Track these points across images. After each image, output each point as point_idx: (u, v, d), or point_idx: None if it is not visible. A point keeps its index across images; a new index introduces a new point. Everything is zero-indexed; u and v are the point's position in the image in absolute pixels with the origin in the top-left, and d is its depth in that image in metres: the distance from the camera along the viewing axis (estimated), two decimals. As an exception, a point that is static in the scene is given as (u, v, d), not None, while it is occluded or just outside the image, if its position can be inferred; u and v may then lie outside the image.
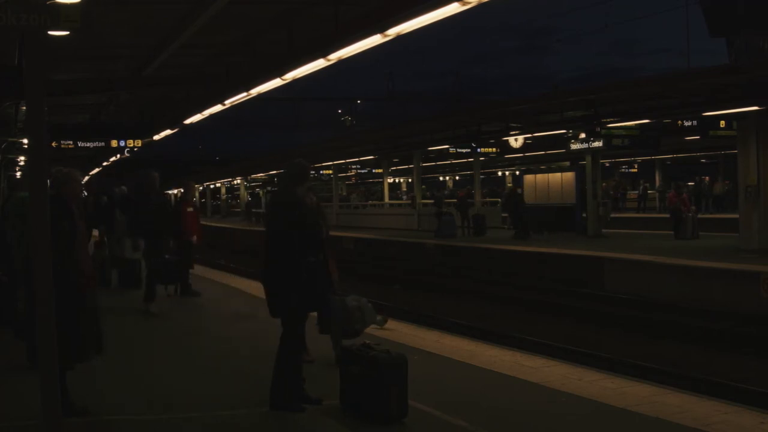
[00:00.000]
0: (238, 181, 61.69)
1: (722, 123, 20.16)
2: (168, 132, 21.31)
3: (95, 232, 15.88)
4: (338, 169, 42.37)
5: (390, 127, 31.42)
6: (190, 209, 13.21)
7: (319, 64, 10.80)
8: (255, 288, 13.49)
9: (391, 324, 10.28)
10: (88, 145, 17.84)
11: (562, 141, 26.00)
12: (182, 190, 18.54)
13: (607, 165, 45.07)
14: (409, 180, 56.23)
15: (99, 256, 14.71)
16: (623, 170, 54.06)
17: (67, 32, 5.80)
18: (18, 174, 29.88)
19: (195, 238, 13.04)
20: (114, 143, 17.79)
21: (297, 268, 5.91)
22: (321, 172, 47.22)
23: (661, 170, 44.60)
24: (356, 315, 7.19)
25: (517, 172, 46.76)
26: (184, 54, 13.66)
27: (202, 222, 15.19)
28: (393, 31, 8.62)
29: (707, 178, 39.61)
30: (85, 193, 28.25)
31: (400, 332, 9.53)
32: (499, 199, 33.57)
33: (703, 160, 48.19)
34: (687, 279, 15.59)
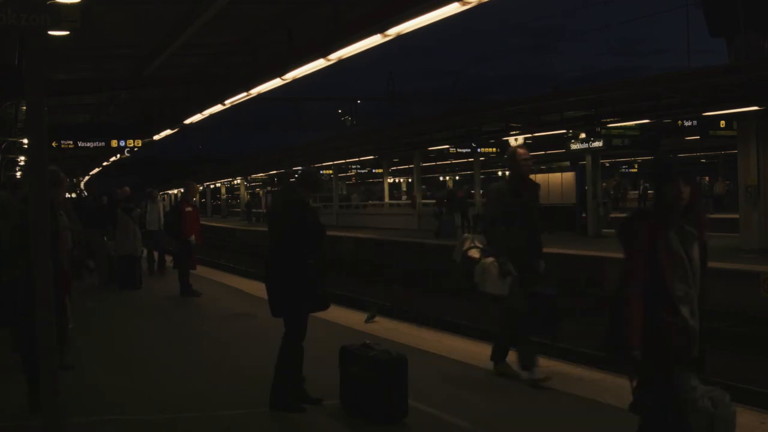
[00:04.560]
0: (238, 181, 61.72)
1: (722, 123, 20.18)
2: (168, 132, 21.33)
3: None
4: (338, 169, 42.38)
5: (390, 127, 31.43)
6: (189, 209, 13.23)
7: (319, 64, 10.80)
8: (255, 288, 13.51)
9: (391, 324, 10.29)
10: (88, 145, 17.85)
11: (562, 141, 26.01)
12: (182, 190, 18.56)
13: (607, 165, 45.08)
14: (409, 180, 56.23)
15: (100, 256, 14.76)
16: (623, 170, 54.08)
17: (67, 32, 5.80)
18: (18, 174, 29.89)
19: (194, 237, 13.06)
20: (114, 143, 17.81)
21: (299, 268, 5.90)
22: (321, 172, 47.22)
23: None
24: (701, 426, 3.90)
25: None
26: (184, 54, 13.67)
27: (202, 221, 15.15)
28: (393, 31, 8.62)
29: (707, 178, 39.63)
30: (85, 193, 28.16)
31: (400, 332, 9.53)
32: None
33: (703, 160, 48.22)
34: (687, 279, 15.57)
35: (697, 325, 4.20)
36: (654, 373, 4.03)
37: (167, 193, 73.91)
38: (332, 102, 46.39)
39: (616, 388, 6.69)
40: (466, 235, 7.05)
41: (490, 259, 6.60)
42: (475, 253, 6.84)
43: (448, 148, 31.28)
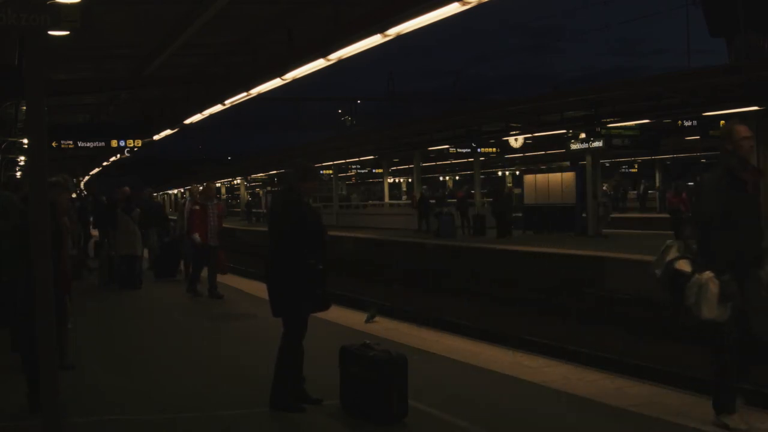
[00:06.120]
0: (238, 181, 61.76)
1: (722, 123, 20.17)
2: (168, 132, 21.35)
3: (95, 232, 15.94)
4: (338, 169, 42.40)
5: (390, 127, 31.45)
6: (196, 207, 13.20)
7: (319, 64, 10.82)
8: (255, 288, 13.52)
9: (391, 324, 10.30)
10: (88, 145, 17.86)
11: (562, 141, 26.02)
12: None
13: (607, 165, 45.12)
14: (409, 180, 56.25)
15: (101, 256, 14.78)
16: (623, 170, 54.10)
17: (67, 32, 5.81)
18: (18, 174, 29.92)
19: (197, 236, 12.87)
20: (114, 143, 17.82)
21: (299, 268, 5.90)
22: (321, 172, 47.23)
23: (661, 170, 44.67)
24: None
25: (517, 172, 46.79)
26: (184, 54, 13.68)
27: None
28: (393, 31, 8.64)
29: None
30: (85, 193, 28.17)
31: (400, 332, 9.53)
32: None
33: (703, 160, 48.25)
34: (687, 279, 15.54)
35: None
36: None
37: (167, 193, 74.00)
38: (332, 102, 46.38)
39: (615, 387, 6.68)
40: (669, 241, 5.40)
41: (709, 274, 4.99)
42: (685, 266, 5.18)
43: (448, 148, 31.31)
